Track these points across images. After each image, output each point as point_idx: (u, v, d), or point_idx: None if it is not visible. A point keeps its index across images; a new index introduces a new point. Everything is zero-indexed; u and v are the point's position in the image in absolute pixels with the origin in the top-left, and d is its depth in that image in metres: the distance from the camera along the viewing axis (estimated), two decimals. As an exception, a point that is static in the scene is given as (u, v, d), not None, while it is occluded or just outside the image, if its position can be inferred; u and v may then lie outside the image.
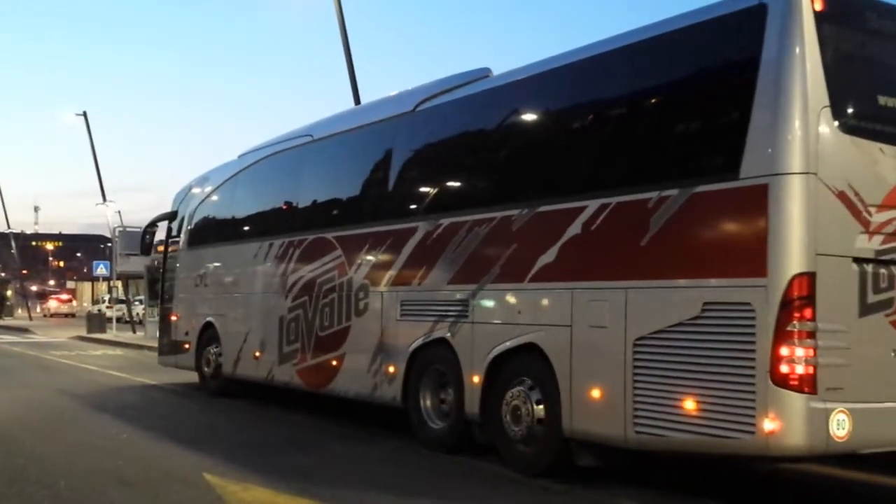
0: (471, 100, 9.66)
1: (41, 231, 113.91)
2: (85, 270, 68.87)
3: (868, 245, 6.54)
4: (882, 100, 6.83)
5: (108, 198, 39.10)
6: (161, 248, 16.89)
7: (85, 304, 63.93)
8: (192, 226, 15.51)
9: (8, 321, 53.10)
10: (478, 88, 9.66)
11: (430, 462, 8.87)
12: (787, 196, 6.27)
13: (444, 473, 8.35)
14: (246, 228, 13.97)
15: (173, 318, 15.95)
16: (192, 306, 15.32)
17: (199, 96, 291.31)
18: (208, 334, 14.59)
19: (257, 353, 13.01)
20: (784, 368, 6.20)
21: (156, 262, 19.18)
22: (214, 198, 15.10)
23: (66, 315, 64.07)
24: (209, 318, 14.55)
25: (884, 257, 6.61)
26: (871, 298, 6.53)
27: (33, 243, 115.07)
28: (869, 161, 6.57)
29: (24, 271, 73.70)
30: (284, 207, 12.96)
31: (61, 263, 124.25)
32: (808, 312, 6.20)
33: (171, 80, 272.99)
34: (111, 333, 33.23)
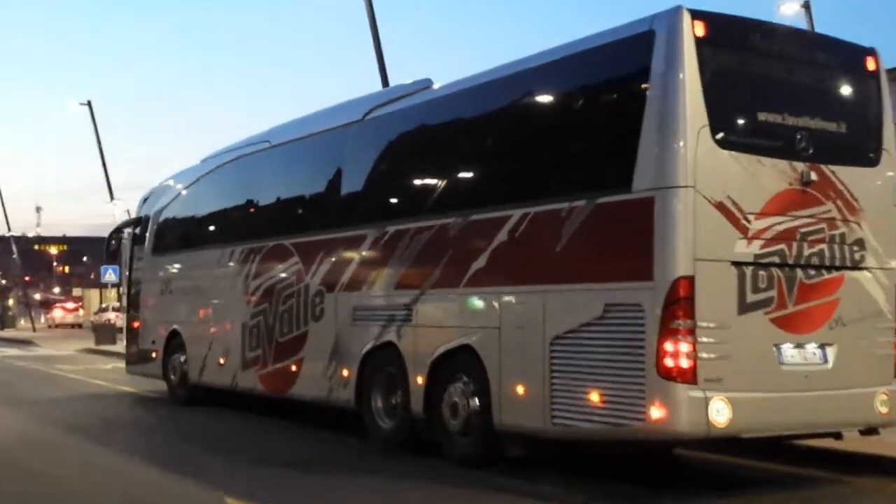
0: (409, 111, 11.22)
1: (44, 234, 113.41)
2: (92, 276, 69.00)
3: (747, 250, 8.05)
4: (762, 116, 8.34)
5: (115, 196, 39.21)
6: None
7: (93, 313, 63.22)
8: (156, 232, 17.07)
9: (10, 333, 52.59)
10: (415, 101, 11.22)
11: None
12: (669, 208, 7.79)
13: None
14: (208, 235, 15.54)
15: (140, 326, 17.53)
16: (158, 314, 16.87)
17: (211, 86, 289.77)
18: (175, 342, 16.11)
19: (221, 360, 14.56)
20: (668, 362, 7.72)
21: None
22: (177, 203, 16.65)
23: (73, 325, 63.33)
24: (175, 326, 16.10)
25: (763, 260, 8.11)
26: (751, 298, 8.04)
27: (35, 247, 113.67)
28: (748, 173, 8.07)
29: (27, 278, 72.28)
30: (244, 214, 14.53)
31: (66, 269, 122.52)
32: (688, 312, 7.71)
33: (183, 70, 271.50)
34: (121, 345, 33.18)
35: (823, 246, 8.47)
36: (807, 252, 8.37)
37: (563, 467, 9.67)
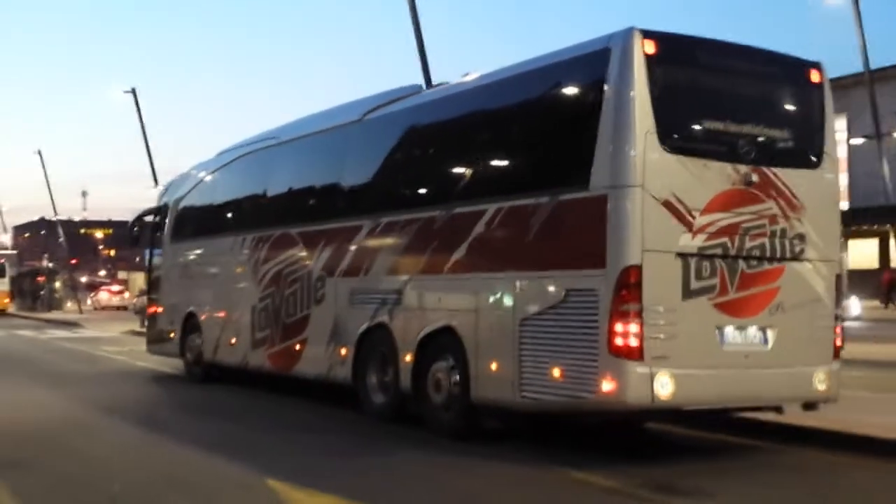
0: (398, 114, 12.50)
1: (90, 218, 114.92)
2: (137, 260, 70.92)
3: (691, 242, 9.22)
4: (707, 123, 9.53)
5: (159, 181, 40.33)
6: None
7: (135, 296, 64.56)
8: (175, 220, 18.45)
9: (57, 315, 54.26)
10: (405, 105, 12.49)
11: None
12: (620, 204, 8.98)
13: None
14: (221, 224, 16.88)
15: (159, 308, 18.94)
16: (175, 297, 18.26)
17: (256, 72, 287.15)
18: (191, 324, 17.49)
19: (233, 340, 15.89)
20: (618, 341, 8.91)
21: None
22: (194, 194, 18.02)
23: (118, 308, 64.86)
24: (191, 309, 17.47)
25: (706, 252, 9.29)
26: (694, 285, 9.21)
27: (82, 231, 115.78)
28: (693, 175, 9.24)
29: (73, 261, 73.65)
30: (254, 205, 15.85)
31: (112, 252, 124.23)
32: (635, 297, 8.90)
33: (227, 56, 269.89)
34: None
35: (765, 239, 9.63)
36: (749, 245, 9.53)
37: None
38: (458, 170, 11.53)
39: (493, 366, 10.31)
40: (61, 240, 70.05)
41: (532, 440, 10.91)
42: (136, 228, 20.33)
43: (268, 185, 15.56)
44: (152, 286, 19.55)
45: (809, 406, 10.12)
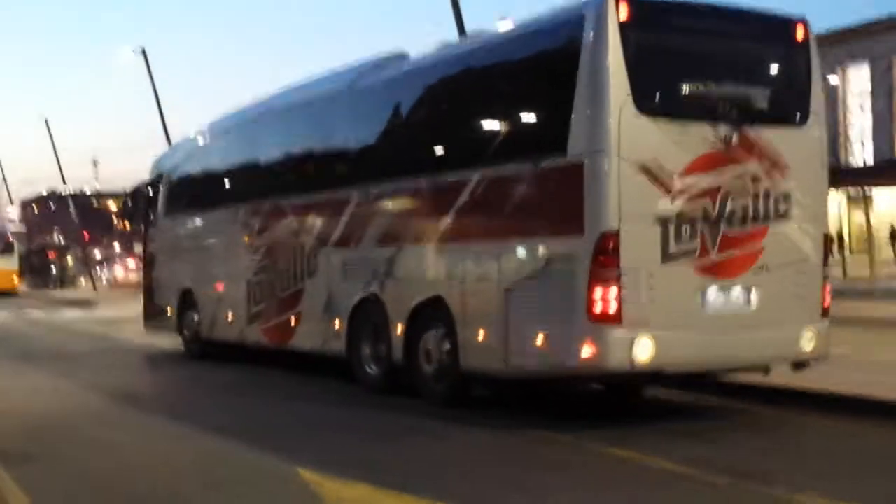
0: (384, 83, 12.65)
1: (102, 189, 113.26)
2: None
3: (671, 207, 9.38)
4: (685, 86, 9.67)
5: None
6: None
7: None
8: (167, 193, 18.66)
9: (69, 293, 52.38)
10: (390, 73, 12.64)
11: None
12: (597, 170, 9.15)
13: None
14: (212, 197, 17.07)
15: (155, 284, 19.20)
16: (171, 273, 18.50)
17: (275, 28, 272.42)
18: (187, 300, 17.75)
19: (229, 316, 16.14)
20: (597, 307, 9.11)
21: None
22: (185, 165, 18.21)
23: (136, 285, 63.52)
24: (187, 285, 17.72)
25: (686, 215, 9.46)
26: (674, 249, 9.38)
27: (94, 203, 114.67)
28: (671, 138, 9.38)
29: (86, 235, 69.68)
30: (245, 176, 16.05)
31: (127, 225, 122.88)
32: (614, 262, 9.09)
33: (244, 10, 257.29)
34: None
35: (748, 200, 9.79)
36: (730, 207, 9.69)
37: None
38: (440, 139, 11.70)
39: (481, 335, 10.52)
40: (72, 212, 67.88)
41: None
42: (129, 203, 20.56)
43: (257, 155, 15.75)
44: (148, 262, 19.81)
45: (799, 366, 10.32)
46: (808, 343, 10.08)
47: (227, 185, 16.80)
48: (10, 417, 11.35)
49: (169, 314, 18.40)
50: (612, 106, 9.14)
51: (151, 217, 19.47)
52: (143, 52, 38.03)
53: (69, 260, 68.59)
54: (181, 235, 18.16)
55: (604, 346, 9.13)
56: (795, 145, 10.12)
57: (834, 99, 37.08)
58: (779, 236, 9.98)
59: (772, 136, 9.92)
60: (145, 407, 12.32)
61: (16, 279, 56.45)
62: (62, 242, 76.98)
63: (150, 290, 19.60)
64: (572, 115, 9.37)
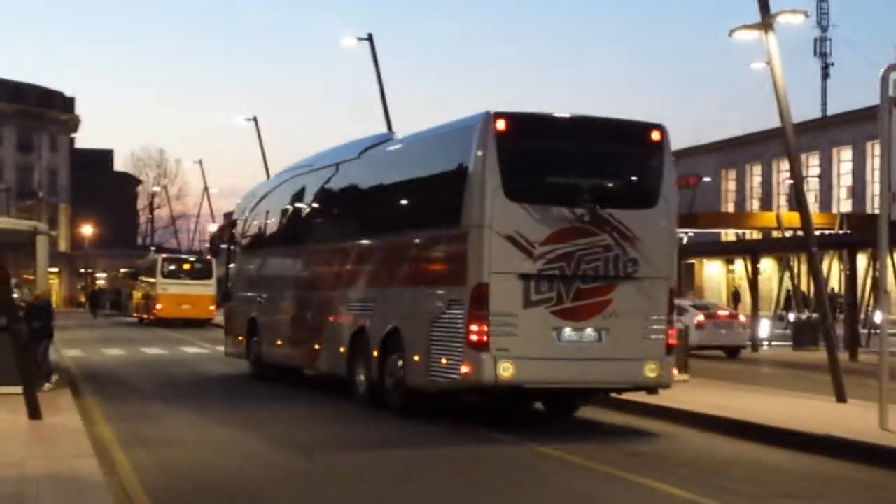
0: (346, 167, 18.96)
1: None
2: None
3: (532, 266, 14.52)
4: (549, 179, 14.86)
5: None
6: None
7: None
8: (242, 232, 24.73)
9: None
10: (351, 158, 19.04)
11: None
12: (474, 239, 14.41)
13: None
14: (270, 239, 23.06)
15: (232, 314, 25.18)
16: (243, 304, 24.47)
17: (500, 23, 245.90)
18: (254, 328, 23.55)
19: (280, 342, 21.84)
20: (473, 337, 14.32)
21: None
22: (257, 210, 24.29)
23: None
24: (252, 315, 23.54)
25: (545, 273, 14.56)
26: (534, 297, 14.51)
27: None
28: (534, 217, 14.54)
29: None
30: (288, 224, 21.96)
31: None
32: (484, 306, 14.28)
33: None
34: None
35: (599, 263, 14.80)
36: (584, 267, 14.76)
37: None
38: (389, 210, 17.48)
39: (417, 357, 15.79)
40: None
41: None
42: (214, 240, 26.64)
43: (301, 206, 21.56)
44: (227, 294, 25.85)
45: (650, 390, 15.21)
46: (651, 372, 14.97)
47: (278, 230, 22.82)
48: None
49: (241, 340, 24.26)
50: (486, 193, 14.38)
51: (231, 252, 25.52)
52: (370, 38, 35.95)
53: None
54: (250, 271, 24.18)
55: (476, 366, 14.35)
56: (645, 223, 15.07)
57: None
58: (627, 291, 14.95)
59: (622, 216, 14.92)
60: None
61: (212, 307, 50.27)
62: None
63: (229, 319, 25.57)
64: (464, 197, 14.64)
